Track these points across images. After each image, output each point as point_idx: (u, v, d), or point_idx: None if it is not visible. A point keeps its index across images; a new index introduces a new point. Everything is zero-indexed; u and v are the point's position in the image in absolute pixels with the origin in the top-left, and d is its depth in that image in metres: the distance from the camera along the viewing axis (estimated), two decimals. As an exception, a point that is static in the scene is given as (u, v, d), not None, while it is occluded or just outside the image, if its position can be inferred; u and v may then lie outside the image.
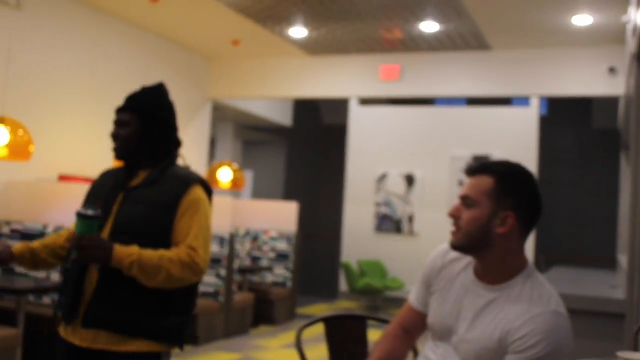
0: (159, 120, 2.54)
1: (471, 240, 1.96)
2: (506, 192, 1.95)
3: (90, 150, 7.45)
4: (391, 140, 10.62)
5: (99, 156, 7.50)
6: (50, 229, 5.79)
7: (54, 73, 7.10)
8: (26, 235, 5.87)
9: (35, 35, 6.85)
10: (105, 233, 2.41)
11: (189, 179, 2.50)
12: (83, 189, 6.30)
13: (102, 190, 2.56)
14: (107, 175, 2.64)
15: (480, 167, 2.02)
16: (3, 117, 5.42)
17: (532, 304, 1.90)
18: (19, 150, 5.50)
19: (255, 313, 7.82)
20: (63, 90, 7.22)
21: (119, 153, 2.53)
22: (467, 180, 2.04)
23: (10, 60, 6.45)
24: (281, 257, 8.54)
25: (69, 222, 5.79)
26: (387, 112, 10.89)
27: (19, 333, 4.83)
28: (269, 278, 8.56)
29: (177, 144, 2.60)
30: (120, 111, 2.55)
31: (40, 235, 5.77)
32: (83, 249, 2.26)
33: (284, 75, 9.67)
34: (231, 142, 12.31)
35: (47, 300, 5.67)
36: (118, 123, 2.54)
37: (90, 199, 2.58)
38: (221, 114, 11.07)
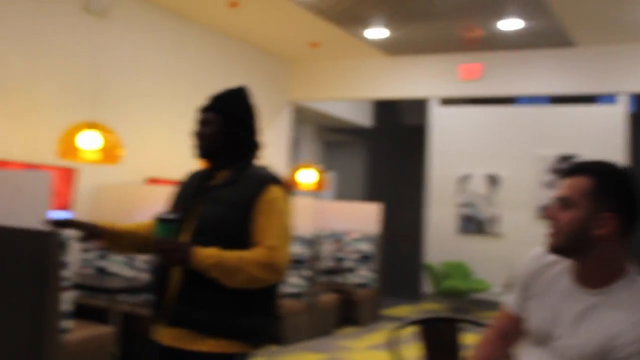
0: (239, 121, 2.58)
1: (570, 242, 1.90)
2: (606, 192, 1.88)
3: (176, 153, 7.62)
4: (473, 140, 10.46)
5: (185, 159, 7.66)
6: (139, 231, 5.94)
7: (139, 79, 7.30)
8: (117, 237, 6.04)
9: (121, 42, 7.05)
10: (188, 234, 2.45)
11: (266, 179, 2.50)
12: (170, 192, 6.45)
13: (186, 191, 2.62)
14: (193, 176, 2.70)
15: (577, 166, 1.96)
16: (94, 123, 5.61)
17: (636, 309, 1.82)
18: (109, 154, 5.67)
19: (339, 314, 7.84)
20: (149, 95, 7.41)
21: (200, 151, 2.59)
22: (562, 181, 1.98)
23: (98, 68, 6.67)
24: (364, 258, 8.53)
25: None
26: (468, 111, 10.73)
27: (112, 330, 4.99)
28: (353, 279, 8.56)
29: (256, 145, 2.62)
30: (203, 110, 2.61)
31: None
32: (162, 253, 2.32)
33: (363, 76, 9.66)
34: (312, 143, 12.38)
35: (139, 299, 5.83)
36: (201, 122, 2.59)
37: (175, 200, 2.64)
38: (302, 116, 11.15)
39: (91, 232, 2.52)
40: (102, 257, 6.09)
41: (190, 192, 2.59)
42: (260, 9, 7.59)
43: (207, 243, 2.37)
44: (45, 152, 6.11)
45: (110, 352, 4.95)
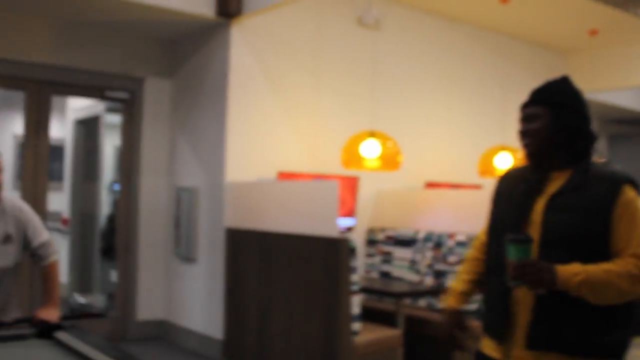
0: (570, 109, 2.32)
1: None
2: None
3: (453, 157, 7.60)
4: None
5: (463, 163, 7.62)
6: (420, 235, 6.01)
7: (414, 85, 7.39)
8: (399, 242, 6.17)
9: (393, 50, 7.20)
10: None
11: (619, 179, 2.22)
12: (449, 195, 6.46)
13: (513, 199, 2.39)
14: (511, 179, 2.48)
15: None
16: (374, 131, 5.78)
17: None
18: (388, 161, 5.80)
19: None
20: (424, 100, 7.47)
21: (530, 148, 2.35)
22: None
23: (374, 78, 6.87)
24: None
25: (438, 227, 5.96)
26: None
27: (399, 333, 5.09)
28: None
29: (593, 138, 2.34)
30: (525, 106, 2.39)
31: (412, 241, 6.03)
32: (526, 276, 2.13)
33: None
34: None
35: (422, 302, 5.89)
36: (525, 118, 2.37)
37: (502, 210, 2.45)
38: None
39: (461, 325, 2.57)
40: (386, 261, 6.25)
41: (518, 198, 2.37)
42: (533, 0, 7.30)
43: (554, 256, 2.18)
44: (330, 162, 6.44)
45: (399, 355, 5.05)
